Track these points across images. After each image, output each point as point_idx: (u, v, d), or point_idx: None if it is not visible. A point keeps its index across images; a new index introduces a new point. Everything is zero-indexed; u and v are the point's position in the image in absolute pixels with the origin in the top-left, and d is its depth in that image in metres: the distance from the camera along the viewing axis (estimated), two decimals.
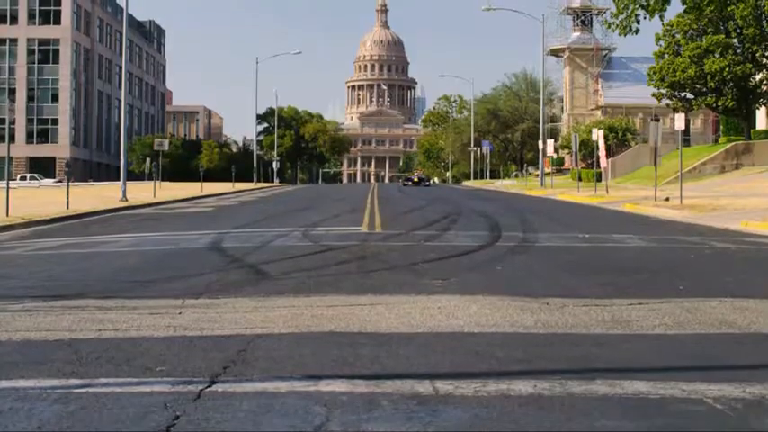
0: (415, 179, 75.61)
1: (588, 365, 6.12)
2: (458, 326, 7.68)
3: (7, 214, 25.76)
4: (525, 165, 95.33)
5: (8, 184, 28.72)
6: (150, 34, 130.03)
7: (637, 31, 40.19)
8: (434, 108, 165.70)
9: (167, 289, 10.31)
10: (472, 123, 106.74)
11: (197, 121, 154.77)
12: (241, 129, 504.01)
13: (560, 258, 13.93)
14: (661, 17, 56.53)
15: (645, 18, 41.26)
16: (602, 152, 45.60)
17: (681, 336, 7.35)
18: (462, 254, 14.51)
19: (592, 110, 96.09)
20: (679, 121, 32.69)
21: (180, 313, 8.45)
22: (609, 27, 52.66)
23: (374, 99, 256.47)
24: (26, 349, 6.80)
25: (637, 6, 42.35)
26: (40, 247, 17.34)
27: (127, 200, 37.87)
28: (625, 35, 42.62)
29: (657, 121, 40.16)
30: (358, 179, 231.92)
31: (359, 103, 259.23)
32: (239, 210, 32.32)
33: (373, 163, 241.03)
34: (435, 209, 30.94)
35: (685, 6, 55.42)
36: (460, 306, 8.68)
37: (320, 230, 20.22)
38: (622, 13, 47.62)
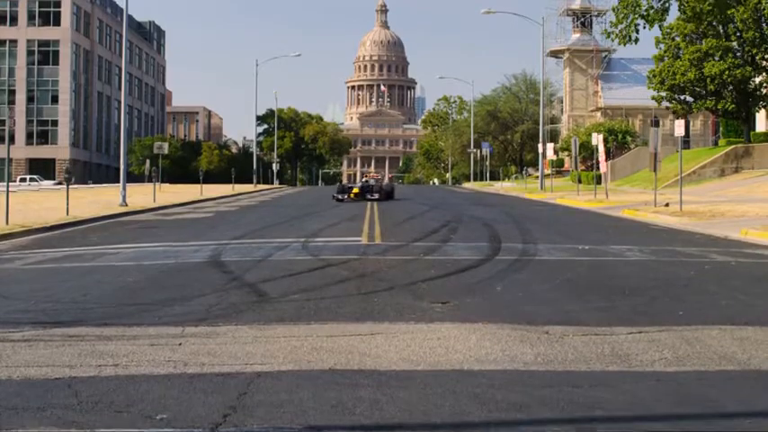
0: (356, 189, 43.16)
1: (588, 413, 6.08)
2: (457, 361, 7.65)
3: (7, 222, 25.74)
4: (525, 166, 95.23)
5: (8, 188, 28.62)
6: (150, 35, 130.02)
7: (636, 40, 40.14)
8: (434, 109, 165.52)
9: (167, 314, 10.28)
10: (472, 125, 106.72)
11: (197, 121, 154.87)
12: (241, 129, 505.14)
13: (559, 276, 13.91)
14: (660, 25, 56.65)
15: (644, 27, 41.22)
16: (601, 157, 45.58)
17: (680, 374, 7.33)
18: (462, 270, 14.50)
19: (592, 111, 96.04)
20: (678, 127, 32.69)
21: (180, 344, 8.43)
22: (608, 36, 52.48)
23: (374, 99, 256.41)
24: (26, 391, 6.77)
25: (636, 16, 42.22)
26: (40, 259, 17.36)
27: (126, 205, 37.83)
28: (625, 44, 42.54)
29: (657, 125, 40.15)
30: (358, 180, 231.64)
31: (359, 103, 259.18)
32: (239, 216, 32.26)
33: (373, 163, 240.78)
34: (435, 216, 30.89)
35: (685, 15, 55.42)
36: (460, 337, 8.65)
37: (319, 242, 20.21)
38: (622, 23, 47.37)
